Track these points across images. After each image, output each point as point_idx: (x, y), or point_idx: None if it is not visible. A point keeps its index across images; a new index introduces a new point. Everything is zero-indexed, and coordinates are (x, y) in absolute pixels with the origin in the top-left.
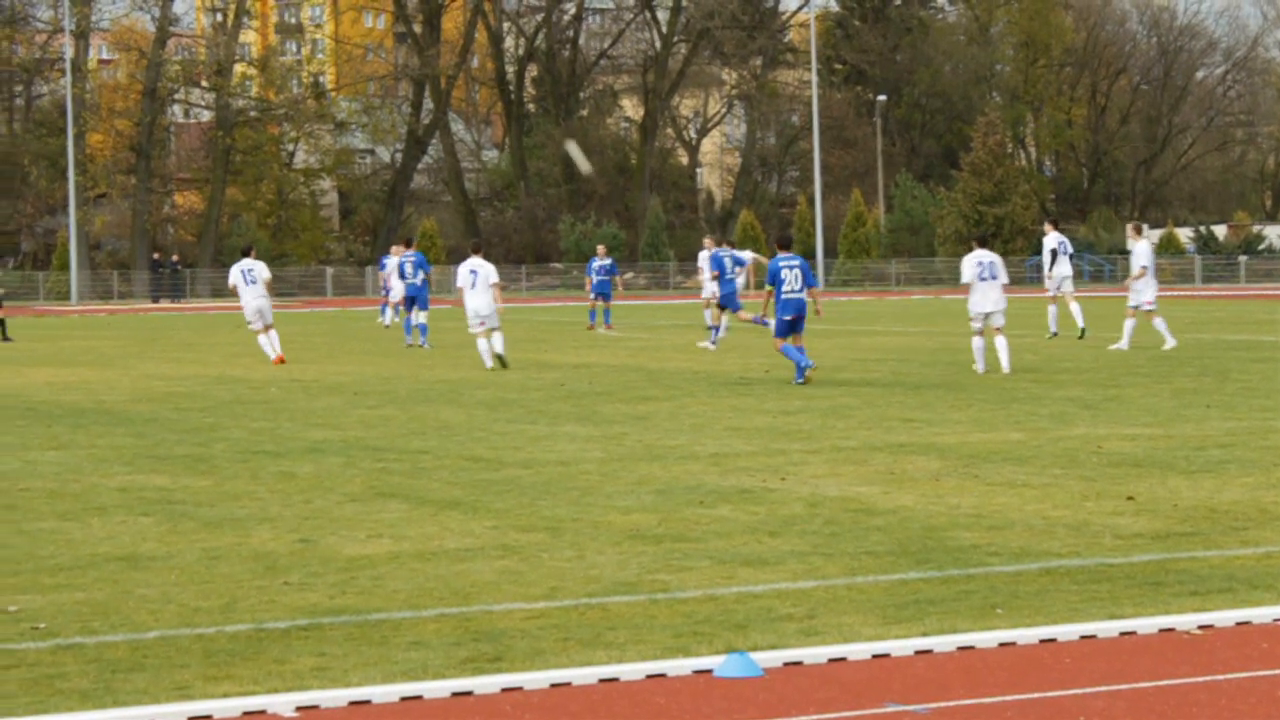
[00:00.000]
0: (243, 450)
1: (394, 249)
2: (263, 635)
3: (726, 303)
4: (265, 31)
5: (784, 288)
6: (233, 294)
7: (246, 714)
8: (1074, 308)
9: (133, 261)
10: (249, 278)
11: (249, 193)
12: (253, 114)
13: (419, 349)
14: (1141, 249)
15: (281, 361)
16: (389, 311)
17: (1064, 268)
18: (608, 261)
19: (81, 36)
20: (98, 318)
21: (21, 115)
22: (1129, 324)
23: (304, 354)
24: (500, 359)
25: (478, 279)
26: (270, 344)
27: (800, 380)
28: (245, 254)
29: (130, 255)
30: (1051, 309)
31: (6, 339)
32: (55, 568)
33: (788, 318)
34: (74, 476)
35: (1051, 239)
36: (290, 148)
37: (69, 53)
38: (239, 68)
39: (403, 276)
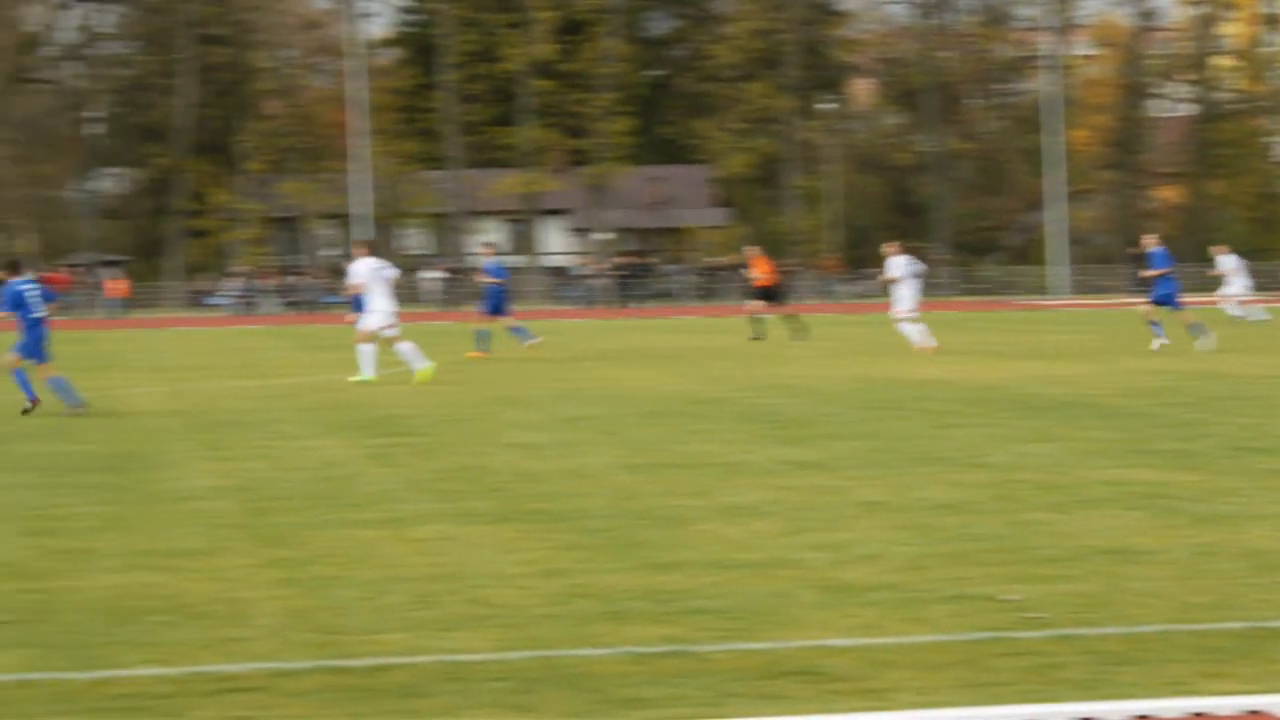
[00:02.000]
0: (1231, 446)
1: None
2: (1259, 634)
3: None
4: (1250, 22)
5: None
6: (889, 281)
7: (1249, 714)
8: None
9: (1115, 256)
10: (913, 270)
11: (1231, 187)
12: (1234, 106)
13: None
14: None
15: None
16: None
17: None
18: None
19: (1063, 32)
20: (1079, 312)
21: (1003, 112)
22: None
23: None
24: None
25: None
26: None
27: None
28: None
29: (1114, 250)
30: None
31: (801, 334)
32: (1047, 559)
33: None
34: (1062, 469)
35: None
36: (1273, 140)
37: (1051, 49)
38: (1219, 59)
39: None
